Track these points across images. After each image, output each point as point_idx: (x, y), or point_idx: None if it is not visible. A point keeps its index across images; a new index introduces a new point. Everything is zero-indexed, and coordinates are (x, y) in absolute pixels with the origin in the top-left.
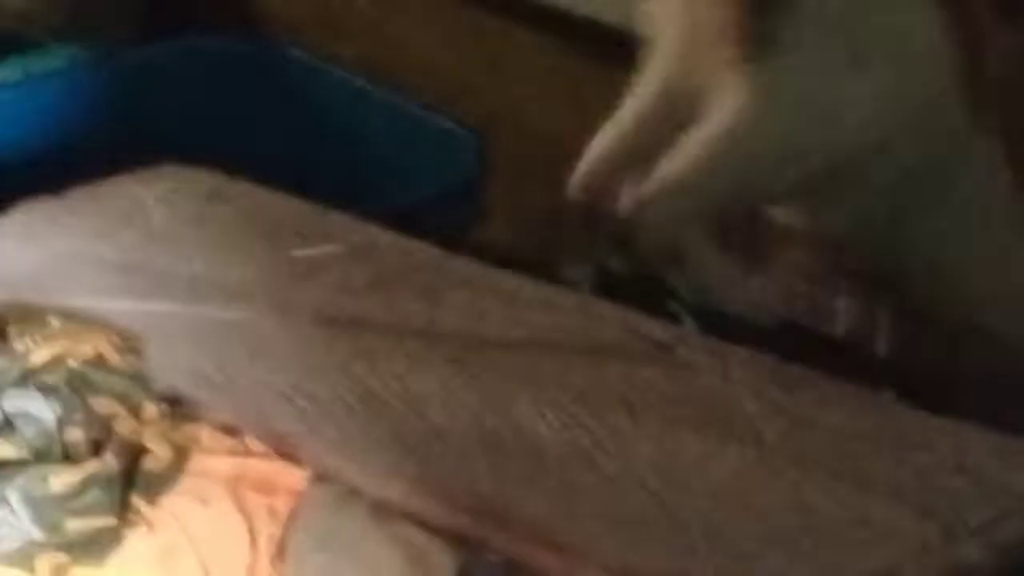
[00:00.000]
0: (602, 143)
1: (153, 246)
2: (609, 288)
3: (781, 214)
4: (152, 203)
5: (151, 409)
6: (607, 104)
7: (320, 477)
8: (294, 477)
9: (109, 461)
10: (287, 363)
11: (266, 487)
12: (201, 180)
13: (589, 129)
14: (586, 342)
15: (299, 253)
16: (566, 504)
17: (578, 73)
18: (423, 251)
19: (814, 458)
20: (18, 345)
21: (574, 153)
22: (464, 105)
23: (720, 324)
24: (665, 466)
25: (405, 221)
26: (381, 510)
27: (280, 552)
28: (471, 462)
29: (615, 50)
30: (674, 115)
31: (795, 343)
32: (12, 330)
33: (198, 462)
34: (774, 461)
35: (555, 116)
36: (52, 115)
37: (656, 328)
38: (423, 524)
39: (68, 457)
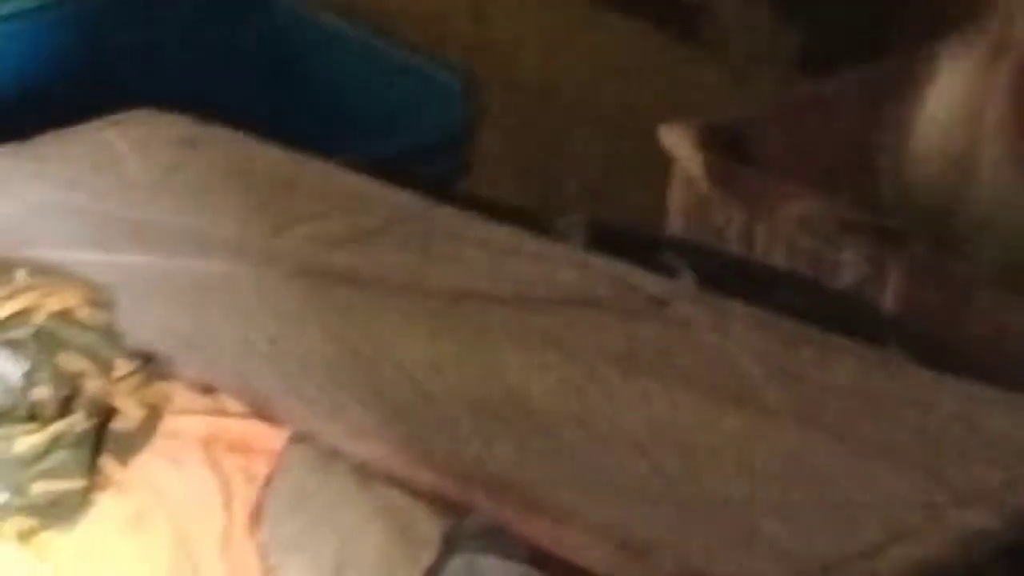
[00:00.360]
0: None
1: (126, 195)
2: (602, 240)
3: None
4: (126, 150)
5: (122, 366)
6: (600, 51)
7: (299, 438)
8: (271, 438)
9: (77, 421)
10: (265, 318)
11: (242, 448)
12: (176, 126)
13: (582, 77)
14: (578, 297)
15: None
16: (556, 466)
17: (571, 18)
18: (408, 202)
19: (816, 419)
20: None
21: (567, 102)
22: (451, 51)
23: (719, 278)
24: (660, 427)
25: (390, 170)
26: (362, 473)
27: (256, 515)
28: (457, 423)
29: None
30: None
31: (798, 297)
32: None
33: (171, 422)
34: (775, 422)
35: (547, 64)
36: (14, 57)
37: (651, 282)
38: (406, 488)
39: (34, 417)
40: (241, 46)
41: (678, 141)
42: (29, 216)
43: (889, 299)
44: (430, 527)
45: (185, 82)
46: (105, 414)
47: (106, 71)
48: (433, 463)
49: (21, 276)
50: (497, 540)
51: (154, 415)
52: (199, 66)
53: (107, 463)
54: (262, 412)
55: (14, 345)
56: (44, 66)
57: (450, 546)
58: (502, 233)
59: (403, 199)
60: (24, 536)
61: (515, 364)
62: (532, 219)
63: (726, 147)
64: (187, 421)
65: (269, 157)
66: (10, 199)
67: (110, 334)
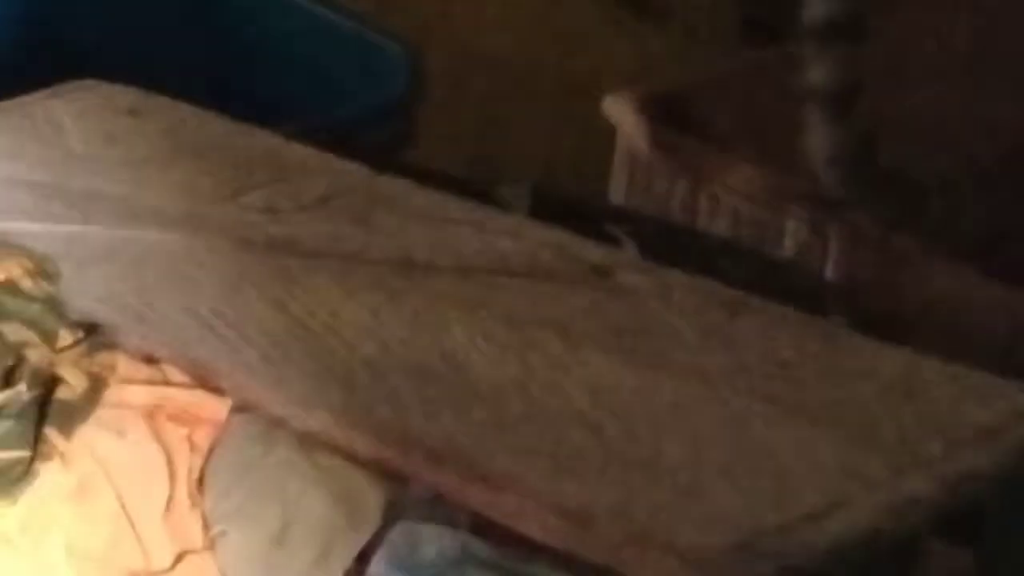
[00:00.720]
0: None
1: (70, 165)
2: (545, 209)
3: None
4: (69, 121)
5: (65, 337)
6: (546, 20)
7: (242, 407)
8: (215, 407)
9: (21, 391)
10: (208, 288)
11: (186, 418)
12: (118, 97)
13: (528, 47)
14: (521, 266)
15: None
16: (497, 435)
17: None
18: (352, 172)
19: (756, 387)
20: None
21: (512, 71)
22: (396, 20)
23: (662, 246)
24: (601, 395)
25: (333, 140)
26: (305, 442)
27: (200, 485)
28: (400, 393)
29: None
30: None
31: (740, 266)
32: None
33: (115, 392)
34: (716, 390)
35: (492, 33)
36: None
37: (594, 251)
38: (349, 457)
39: None
40: (186, 15)
41: (621, 110)
42: None
43: (830, 268)
44: (373, 495)
45: (128, 53)
46: (49, 385)
47: (46, 40)
48: (375, 432)
49: None
50: (438, 508)
51: (98, 385)
52: (142, 37)
53: (51, 433)
54: (205, 382)
55: None
56: None
57: (392, 514)
58: (445, 202)
59: (347, 169)
60: None
61: (457, 333)
62: (475, 188)
63: (669, 116)
64: (131, 391)
65: (212, 127)
66: None
67: (53, 304)
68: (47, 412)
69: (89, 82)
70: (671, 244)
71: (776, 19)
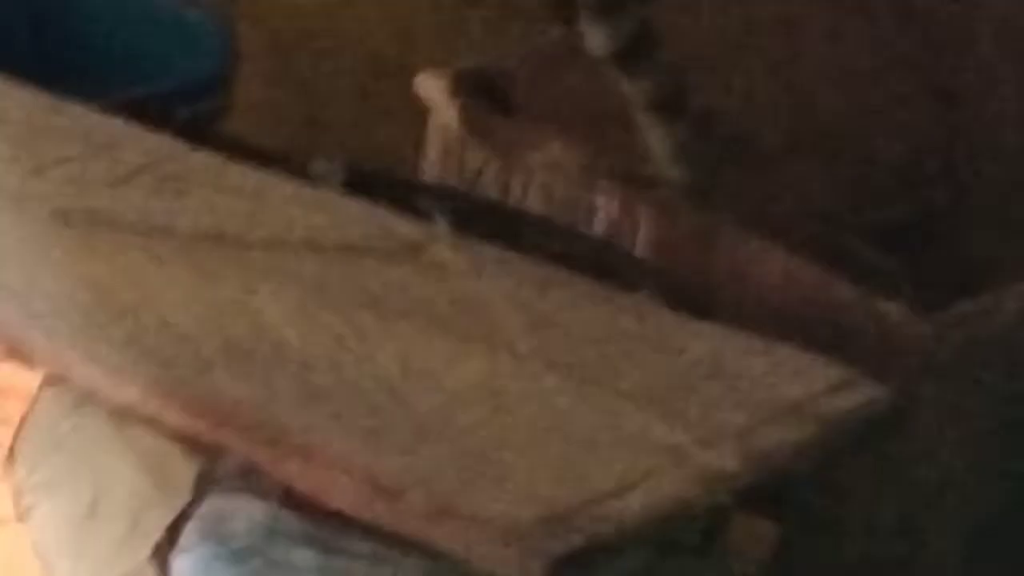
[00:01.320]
0: None
1: None
2: (358, 184)
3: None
4: None
5: None
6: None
7: (53, 380)
8: (26, 380)
9: None
10: (20, 261)
11: None
12: None
13: (341, 21)
14: (334, 240)
15: None
16: (308, 408)
17: None
18: (165, 145)
19: (565, 363)
20: None
21: (327, 46)
22: None
23: (474, 223)
24: (413, 370)
25: (146, 113)
26: (118, 415)
27: (11, 457)
28: (211, 366)
29: None
30: None
31: (552, 242)
32: None
33: None
34: (525, 366)
35: (306, 7)
36: None
37: (406, 226)
38: (162, 430)
39: None
40: None
41: (434, 88)
42: None
43: (641, 245)
44: (184, 469)
45: None
46: None
47: None
48: (187, 405)
49: None
50: (250, 481)
51: None
52: None
53: None
54: (16, 354)
55: None
56: None
57: (204, 487)
58: (258, 176)
59: (159, 142)
60: None
61: (270, 307)
62: (289, 162)
63: (481, 94)
64: None
65: (23, 99)
66: None
67: None
68: None
69: None
70: (484, 220)
71: None
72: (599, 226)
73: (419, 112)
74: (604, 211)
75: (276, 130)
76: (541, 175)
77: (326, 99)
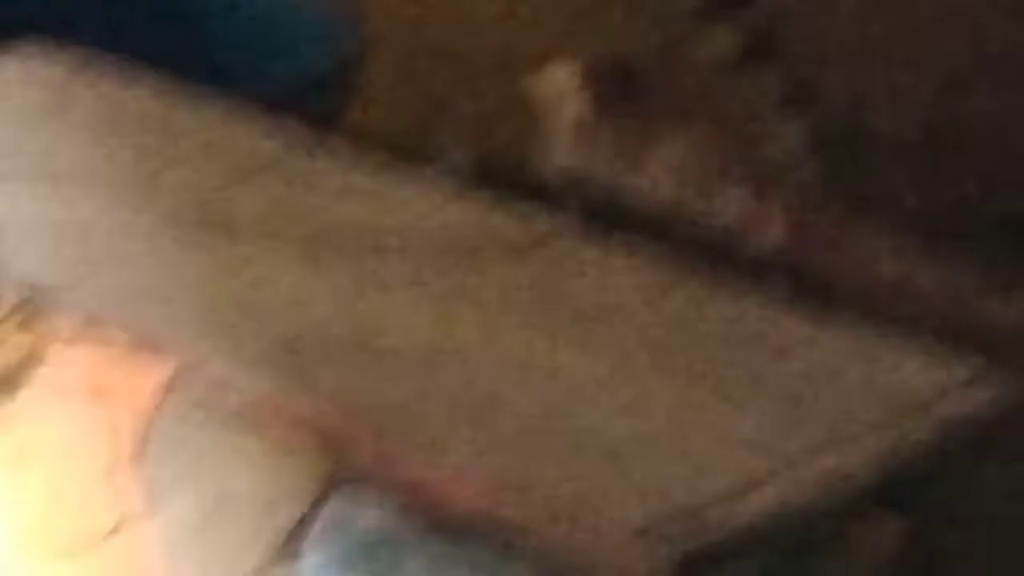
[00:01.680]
0: None
1: (10, 129)
2: (486, 178)
3: None
4: (6, 84)
5: (4, 299)
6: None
7: (183, 373)
8: (157, 373)
9: None
10: (150, 257)
11: (127, 382)
12: (57, 62)
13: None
14: (459, 236)
15: None
16: (431, 408)
17: None
18: (288, 142)
19: (684, 363)
20: None
21: (452, 38)
22: None
23: (603, 214)
24: (538, 368)
25: (270, 109)
26: (245, 411)
27: (141, 451)
28: (341, 366)
29: None
30: None
31: (680, 235)
32: None
33: (56, 355)
34: (647, 365)
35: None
36: None
37: (531, 220)
38: (289, 426)
39: None
40: None
41: (565, 78)
42: None
43: (770, 239)
44: (308, 470)
45: (66, 17)
46: None
47: None
48: (313, 404)
49: None
50: (373, 484)
51: (39, 348)
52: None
53: None
54: (146, 347)
55: None
56: None
57: (327, 489)
58: (383, 173)
59: (281, 140)
60: None
61: (395, 307)
62: (415, 157)
63: (613, 85)
64: (71, 355)
65: (145, 96)
66: None
67: None
68: None
69: (28, 46)
70: (613, 212)
71: None
72: (728, 220)
73: (546, 103)
74: (733, 205)
75: (402, 123)
76: (670, 167)
77: (451, 91)
